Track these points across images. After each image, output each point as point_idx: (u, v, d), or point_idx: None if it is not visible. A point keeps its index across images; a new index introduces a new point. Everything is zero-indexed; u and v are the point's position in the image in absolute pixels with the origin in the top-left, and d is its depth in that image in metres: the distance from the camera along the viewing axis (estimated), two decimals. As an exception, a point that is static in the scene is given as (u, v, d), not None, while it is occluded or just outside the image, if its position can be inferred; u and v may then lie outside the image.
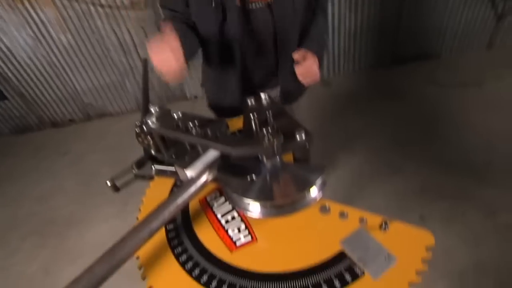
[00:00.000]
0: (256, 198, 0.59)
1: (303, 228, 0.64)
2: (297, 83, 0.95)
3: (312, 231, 0.63)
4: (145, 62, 1.17)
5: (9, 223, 2.00)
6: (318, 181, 0.61)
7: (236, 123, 0.94)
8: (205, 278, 0.57)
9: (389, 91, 2.55)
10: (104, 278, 0.53)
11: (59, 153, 2.61)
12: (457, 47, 2.87)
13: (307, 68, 0.89)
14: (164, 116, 0.81)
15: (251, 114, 0.67)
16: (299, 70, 0.90)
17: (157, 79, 2.81)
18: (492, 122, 2.02)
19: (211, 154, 0.74)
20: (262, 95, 0.85)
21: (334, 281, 0.54)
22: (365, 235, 0.60)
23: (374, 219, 0.63)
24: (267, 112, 0.72)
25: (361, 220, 0.63)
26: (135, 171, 0.89)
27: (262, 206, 0.62)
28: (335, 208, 0.66)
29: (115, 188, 0.91)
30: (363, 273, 0.54)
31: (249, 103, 0.84)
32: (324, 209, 0.67)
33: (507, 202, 1.51)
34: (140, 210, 0.76)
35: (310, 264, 0.57)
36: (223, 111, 1.08)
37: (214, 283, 0.56)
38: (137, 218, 0.74)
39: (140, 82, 2.69)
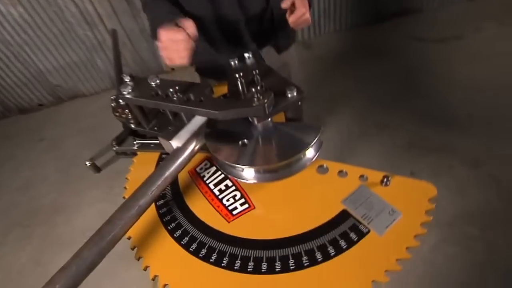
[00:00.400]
0: (250, 164, 0.55)
1: (302, 190, 0.61)
2: (289, 32, 0.91)
3: (311, 192, 0.60)
4: (114, 33, 1.05)
5: (-11, 217, 1.90)
6: (315, 141, 0.56)
7: (220, 90, 0.88)
8: (203, 251, 0.54)
9: (371, 50, 2.49)
10: (94, 263, 0.49)
11: (34, 140, 2.45)
12: (438, 0, 2.80)
13: (298, 16, 0.83)
14: (141, 85, 0.73)
15: (236, 74, 0.61)
16: (291, 19, 0.83)
17: (130, 52, 2.62)
18: (474, 74, 2.03)
19: (197, 121, 0.68)
20: (246, 55, 0.78)
21: (340, 241, 0.51)
22: (367, 192, 0.58)
23: (374, 175, 0.60)
24: (253, 72, 0.66)
25: (361, 177, 0.61)
26: (115, 148, 0.82)
27: (257, 171, 0.58)
28: (333, 167, 0.63)
29: (96, 169, 0.84)
30: (369, 230, 0.52)
31: (233, 65, 0.77)
32: (322, 169, 0.63)
33: (489, 152, 1.55)
34: (126, 188, 0.70)
35: (313, 227, 0.54)
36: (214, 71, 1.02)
37: (214, 256, 0.53)
38: (124, 198, 0.68)
39: (111, 58, 2.49)
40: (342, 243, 0.51)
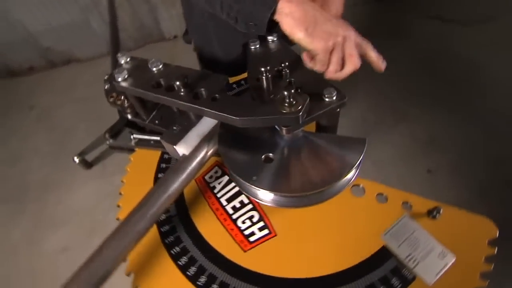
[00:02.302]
0: (273, 188, 0.44)
1: (334, 216, 0.51)
2: None
3: (345, 219, 0.50)
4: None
5: (-22, 189, 1.82)
6: (359, 161, 0.45)
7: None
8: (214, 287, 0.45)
9: (390, 29, 2.28)
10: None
11: (24, 107, 2.30)
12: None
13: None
14: (139, 70, 0.60)
15: (262, 69, 0.48)
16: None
17: (129, 16, 2.39)
18: (505, 63, 1.86)
19: (208, 122, 0.56)
20: (269, 38, 0.64)
21: (380, 289, 0.42)
22: (411, 224, 0.48)
23: (420, 203, 0.50)
24: (282, 64, 0.53)
25: (405, 204, 0.51)
26: (109, 141, 0.71)
27: (279, 195, 0.47)
28: (371, 188, 0.53)
29: (86, 165, 0.73)
30: (414, 277, 0.43)
31: (253, 49, 0.64)
32: (357, 190, 0.53)
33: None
34: (121, 194, 0.60)
35: (346, 266, 0.45)
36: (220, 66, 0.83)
37: (226, 295, 0.44)
38: (118, 206, 0.58)
39: (108, 20, 2.27)
40: (383, 293, 0.42)
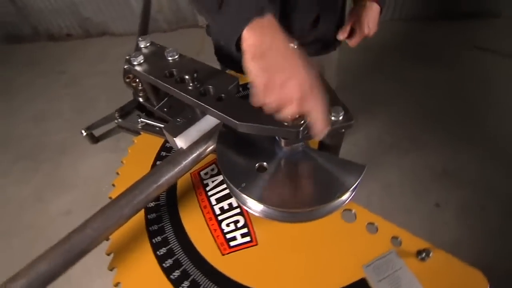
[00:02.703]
0: (259, 199, 0.43)
1: (319, 237, 0.50)
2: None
3: (330, 242, 0.49)
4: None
5: (1, 142, 1.92)
6: (355, 186, 0.44)
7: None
8: (186, 285, 0.45)
9: (426, 51, 2.19)
10: (52, 277, 0.41)
11: (56, 71, 2.41)
12: (524, 6, 2.38)
13: (358, 41, 0.75)
14: (155, 57, 0.60)
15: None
16: (351, 42, 0.76)
17: (167, -2, 2.43)
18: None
19: (212, 119, 0.56)
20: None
21: (349, 322, 0.41)
22: (397, 261, 0.46)
23: (411, 241, 0.48)
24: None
25: (394, 239, 0.49)
26: (117, 120, 0.72)
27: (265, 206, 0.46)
28: (363, 215, 0.51)
29: (93, 139, 0.75)
30: (388, 316, 0.42)
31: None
32: (348, 215, 0.52)
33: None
34: (118, 174, 0.61)
35: (320, 290, 0.44)
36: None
37: (195, 295, 0.44)
38: (113, 185, 0.60)
39: None
40: (352, 327, 0.41)
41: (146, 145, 0.65)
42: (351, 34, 0.76)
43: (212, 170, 0.59)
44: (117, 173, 0.61)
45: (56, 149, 1.82)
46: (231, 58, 0.79)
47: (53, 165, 1.74)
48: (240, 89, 0.74)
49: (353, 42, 0.75)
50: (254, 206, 0.46)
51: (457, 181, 1.44)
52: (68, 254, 0.41)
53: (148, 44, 0.63)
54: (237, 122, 0.45)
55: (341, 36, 0.75)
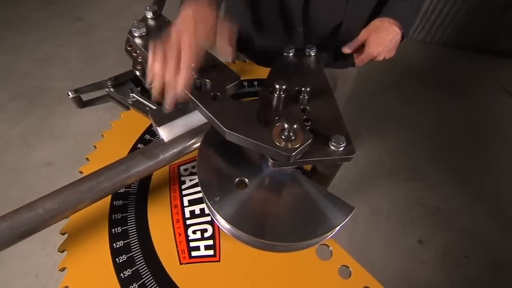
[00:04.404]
0: (230, 219, 0.39)
1: (286, 268, 0.46)
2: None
3: (296, 275, 0.45)
4: None
5: (2, 76, 1.88)
6: (339, 227, 0.40)
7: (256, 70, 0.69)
8: (133, 287, 0.42)
9: (450, 80, 2.10)
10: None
11: (71, 17, 2.33)
12: None
13: (365, 60, 0.67)
14: (160, 32, 0.55)
15: (277, 85, 0.42)
16: (357, 60, 0.68)
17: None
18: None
19: (201, 116, 0.51)
20: (310, 51, 0.57)
21: None
22: (362, 315, 0.43)
23: (383, 296, 0.44)
24: (302, 88, 0.46)
25: (365, 290, 0.45)
26: (108, 89, 0.67)
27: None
28: (338, 256, 0.47)
29: (79, 103, 0.71)
30: None
31: (285, 54, 0.58)
32: (323, 251, 0.47)
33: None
34: (95, 147, 0.57)
35: (273, 328, 0.40)
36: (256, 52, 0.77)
37: (141, 301, 0.41)
38: (87, 159, 0.55)
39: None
40: None
41: (132, 123, 0.61)
42: (360, 50, 0.68)
43: (193, 167, 0.55)
44: (94, 147, 0.57)
45: (54, 95, 1.77)
46: (247, 43, 0.74)
47: (47, 111, 1.70)
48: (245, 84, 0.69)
49: (359, 60, 0.66)
50: (224, 222, 0.42)
51: (446, 223, 1.40)
52: (11, 232, 0.37)
53: (155, 16, 0.57)
54: (225, 130, 0.40)
55: (347, 49, 0.66)
